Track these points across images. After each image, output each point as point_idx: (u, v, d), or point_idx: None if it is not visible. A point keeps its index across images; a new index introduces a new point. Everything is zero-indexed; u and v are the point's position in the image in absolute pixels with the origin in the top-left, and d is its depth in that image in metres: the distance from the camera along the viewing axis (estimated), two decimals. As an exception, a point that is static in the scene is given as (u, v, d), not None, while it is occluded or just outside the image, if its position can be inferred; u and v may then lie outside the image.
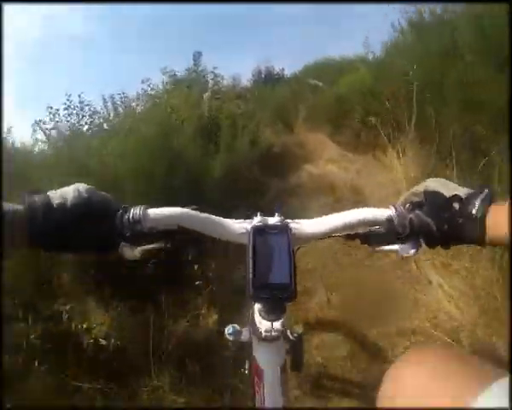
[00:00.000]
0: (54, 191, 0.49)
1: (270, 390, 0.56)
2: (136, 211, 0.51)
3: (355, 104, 4.31)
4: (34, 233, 0.46)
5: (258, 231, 0.52)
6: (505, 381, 0.40)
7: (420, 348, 0.53)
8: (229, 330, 0.63)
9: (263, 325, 0.52)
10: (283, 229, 0.52)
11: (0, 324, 0.87)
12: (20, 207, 0.46)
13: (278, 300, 0.50)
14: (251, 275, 0.48)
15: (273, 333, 0.52)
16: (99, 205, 0.50)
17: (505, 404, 0.38)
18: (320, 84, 6.25)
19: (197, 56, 4.49)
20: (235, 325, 0.63)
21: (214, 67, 4.53)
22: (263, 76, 11.77)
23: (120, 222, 0.50)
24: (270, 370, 0.56)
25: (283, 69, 12.34)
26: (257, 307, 0.53)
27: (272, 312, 0.52)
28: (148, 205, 0.53)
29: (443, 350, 0.49)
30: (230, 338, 0.62)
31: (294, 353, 0.62)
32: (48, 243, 0.48)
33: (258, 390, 0.57)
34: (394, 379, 0.47)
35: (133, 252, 0.52)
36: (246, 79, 10.37)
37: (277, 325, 0.51)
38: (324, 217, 0.57)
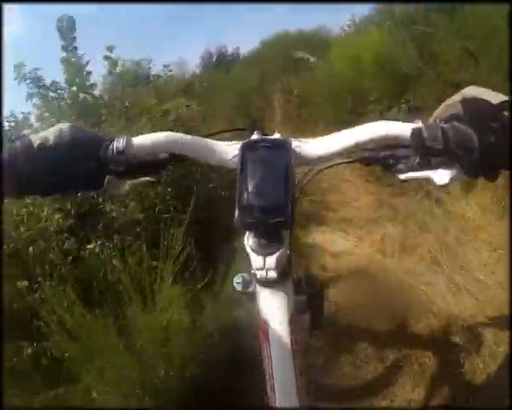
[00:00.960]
0: (35, 135, 0.48)
1: (277, 352, 0.47)
2: (119, 141, 0.47)
3: (371, 82, 3.42)
4: (18, 179, 0.45)
5: (250, 147, 0.46)
6: None
7: None
8: (238, 279, 0.54)
9: (255, 261, 0.44)
10: (282, 144, 0.46)
11: (0, 324, 0.88)
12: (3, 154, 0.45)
13: (270, 226, 0.42)
14: (238, 197, 0.42)
15: (269, 273, 0.43)
16: (83, 142, 0.48)
17: None
18: (311, 58, 4.86)
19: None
20: (245, 274, 0.53)
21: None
22: (213, 60, 9.93)
23: (104, 155, 0.47)
24: (276, 325, 0.46)
25: (238, 48, 10.20)
26: (248, 239, 0.45)
27: (264, 242, 0.43)
28: (132, 134, 0.49)
29: None
30: (239, 288, 0.53)
31: (312, 307, 0.53)
32: (32, 188, 0.48)
33: (265, 350, 0.48)
34: None
35: (119, 186, 0.50)
36: (194, 65, 9.14)
37: (272, 260, 0.43)
38: (333, 134, 0.48)
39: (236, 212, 0.42)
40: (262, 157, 0.45)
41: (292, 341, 0.46)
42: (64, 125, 0.48)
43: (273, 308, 0.46)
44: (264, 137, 0.49)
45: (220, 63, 8.96)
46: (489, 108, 0.39)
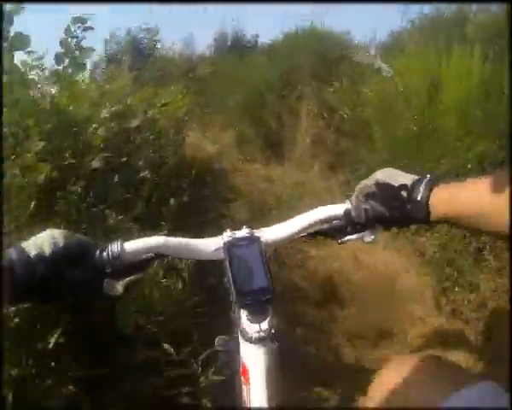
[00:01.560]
0: (27, 242, 0.51)
1: (255, 390, 0.61)
2: (113, 247, 0.55)
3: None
4: (15, 290, 0.47)
5: (232, 245, 0.59)
6: (475, 385, 0.46)
7: (400, 358, 0.61)
8: (218, 341, 0.66)
9: (251, 327, 0.59)
10: (253, 239, 0.60)
11: (0, 325, 0.87)
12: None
13: (261, 302, 0.57)
14: (232, 286, 0.55)
15: (261, 334, 0.58)
16: (76, 248, 0.53)
17: (473, 404, 0.44)
18: (385, 66, 3.38)
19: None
20: (223, 336, 0.66)
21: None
22: (229, 43, 8.27)
23: (100, 260, 0.54)
24: (258, 370, 0.61)
25: (257, 36, 8.39)
26: (243, 313, 0.60)
27: (258, 314, 0.58)
28: (122, 239, 0.57)
29: (420, 358, 0.55)
30: (220, 349, 0.66)
31: (281, 353, 0.65)
32: (31, 297, 0.51)
33: (245, 391, 0.63)
34: (378, 388, 0.54)
35: (116, 287, 0.56)
36: (205, 46, 8.07)
37: (264, 325, 0.58)
38: (288, 221, 0.65)
39: (234, 297, 0.55)
40: (243, 252, 0.58)
41: (269, 383, 0.61)
42: (55, 232, 0.52)
43: (257, 357, 0.61)
44: (240, 236, 0.61)
45: (234, 48, 7.58)
46: (393, 190, 0.60)
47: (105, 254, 0.54)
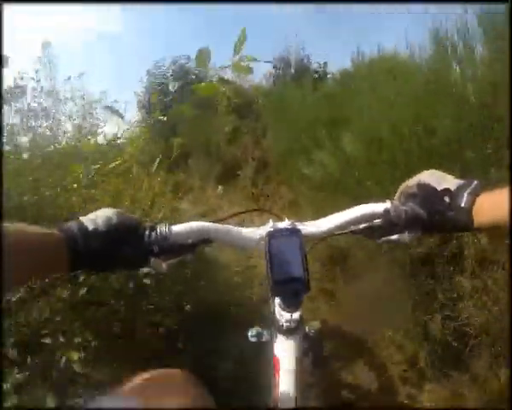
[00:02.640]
0: (86, 218, 0.56)
1: (284, 378, 0.62)
2: (162, 228, 0.60)
3: None
4: (74, 259, 0.52)
5: (273, 236, 0.61)
6: None
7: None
8: (252, 332, 0.69)
9: (283, 316, 0.62)
10: (294, 231, 0.62)
11: (0, 323, 0.93)
12: (57, 233, 0.52)
13: (295, 292, 0.58)
14: (269, 274, 0.57)
15: (292, 324, 0.61)
16: (127, 226, 0.58)
17: None
18: None
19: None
20: (258, 328, 0.69)
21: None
22: (292, 70, 6.38)
23: (149, 240, 0.58)
24: (287, 359, 0.64)
25: (325, 64, 6.34)
26: (277, 301, 0.64)
27: (290, 304, 0.61)
28: (171, 222, 0.62)
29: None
30: (253, 340, 0.68)
31: (313, 349, 0.66)
32: (86, 266, 0.56)
33: (275, 379, 0.65)
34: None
35: (162, 265, 0.60)
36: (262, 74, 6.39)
37: (296, 315, 0.61)
38: (330, 216, 0.65)
39: (270, 284, 0.57)
40: (283, 243, 0.60)
41: (297, 372, 0.63)
42: (109, 211, 0.57)
43: (285, 350, 0.65)
44: (281, 227, 0.63)
45: (299, 78, 5.81)
46: (435, 193, 0.58)
47: (154, 234, 0.58)
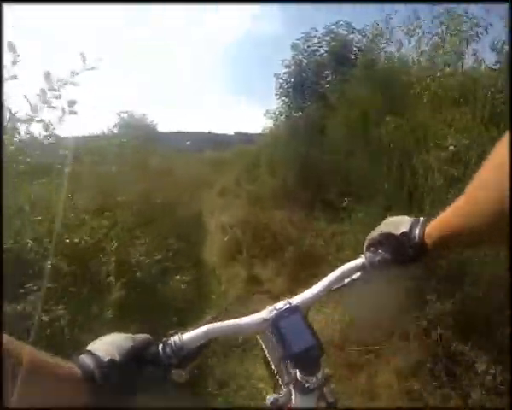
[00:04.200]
0: (96, 348, 0.57)
1: None
2: (175, 340, 0.63)
3: None
4: (98, 393, 0.53)
5: (279, 317, 0.69)
6: None
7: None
8: (269, 400, 0.76)
9: (307, 379, 0.69)
10: (293, 308, 0.70)
11: (0, 322, 0.88)
12: (71, 367, 0.52)
13: (313, 358, 0.66)
14: (282, 351, 0.64)
15: (316, 384, 0.69)
16: (141, 348, 0.60)
17: None
18: None
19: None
20: (273, 395, 0.75)
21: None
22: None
23: (165, 355, 0.61)
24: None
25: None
26: (297, 371, 0.70)
27: (312, 368, 0.68)
28: (179, 331, 0.66)
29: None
30: (273, 407, 0.75)
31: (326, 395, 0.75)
32: (107, 400, 0.54)
33: None
34: None
35: (183, 375, 0.62)
36: None
37: (318, 375, 0.68)
38: (316, 284, 0.75)
39: (289, 360, 0.64)
40: (288, 321, 0.68)
41: None
42: (118, 337, 0.59)
43: (309, 403, 0.71)
44: (281, 308, 0.70)
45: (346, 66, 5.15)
46: (396, 239, 0.71)
47: (168, 349, 0.62)
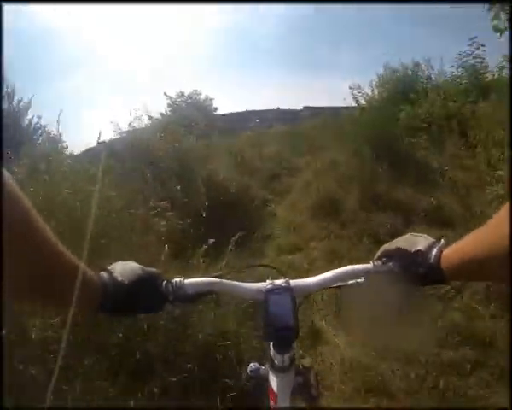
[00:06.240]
0: (114, 269, 0.68)
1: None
2: (177, 281, 0.71)
3: None
4: (103, 302, 0.63)
5: (270, 291, 0.74)
6: None
7: None
8: (250, 367, 0.79)
9: (277, 357, 0.74)
10: (287, 288, 0.74)
11: (0, 325, 0.97)
12: (93, 275, 0.63)
13: (286, 338, 0.71)
14: (265, 322, 0.70)
15: (284, 363, 0.73)
16: (148, 279, 0.70)
17: None
18: None
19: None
20: (256, 363, 0.79)
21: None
22: None
23: (165, 290, 0.70)
24: (283, 394, 0.76)
25: None
26: (271, 345, 0.75)
27: (283, 347, 0.73)
28: (183, 277, 0.73)
29: None
30: (252, 374, 0.78)
31: (305, 384, 0.77)
32: (113, 311, 0.66)
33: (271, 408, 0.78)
34: None
35: (174, 311, 0.70)
36: None
37: (287, 357, 0.73)
38: (320, 275, 0.77)
39: (265, 331, 0.69)
40: (278, 297, 0.73)
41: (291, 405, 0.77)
42: (135, 266, 0.69)
43: (283, 383, 0.76)
44: (277, 284, 0.75)
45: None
46: (408, 255, 0.70)
47: (170, 286, 0.70)
